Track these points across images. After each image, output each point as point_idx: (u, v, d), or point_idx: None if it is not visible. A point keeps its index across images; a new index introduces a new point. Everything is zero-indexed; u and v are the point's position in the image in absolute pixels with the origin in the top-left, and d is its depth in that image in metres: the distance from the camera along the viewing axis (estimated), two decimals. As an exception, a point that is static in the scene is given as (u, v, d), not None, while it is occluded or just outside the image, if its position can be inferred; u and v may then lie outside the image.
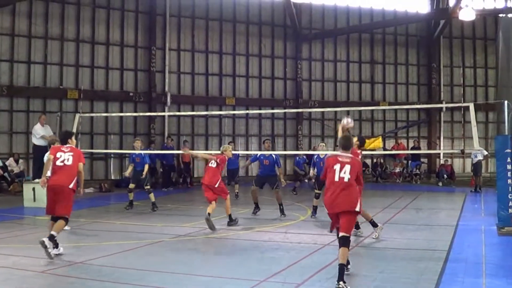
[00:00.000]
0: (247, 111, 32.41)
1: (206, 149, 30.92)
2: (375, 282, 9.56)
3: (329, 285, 9.13)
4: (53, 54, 28.83)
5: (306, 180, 28.40)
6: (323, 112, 34.95)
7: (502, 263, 11.18)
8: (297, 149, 34.08)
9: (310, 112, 34.66)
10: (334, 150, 34.87)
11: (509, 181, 14.73)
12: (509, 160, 14.72)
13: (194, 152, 22.24)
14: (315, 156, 18.92)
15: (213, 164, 16.11)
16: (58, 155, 11.92)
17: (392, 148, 35.40)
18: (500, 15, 32.72)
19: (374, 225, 13.77)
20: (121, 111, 30.14)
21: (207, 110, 32.32)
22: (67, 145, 12.28)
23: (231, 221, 15.96)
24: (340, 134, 12.56)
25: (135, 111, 30.30)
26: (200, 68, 33.04)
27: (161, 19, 31.71)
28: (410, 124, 37.41)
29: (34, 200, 20.44)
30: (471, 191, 26.60)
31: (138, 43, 31.30)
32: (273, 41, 35.00)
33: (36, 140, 22.92)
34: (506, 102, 17.13)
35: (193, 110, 32.03)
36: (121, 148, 28.27)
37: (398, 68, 37.32)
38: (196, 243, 13.48)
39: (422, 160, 35.46)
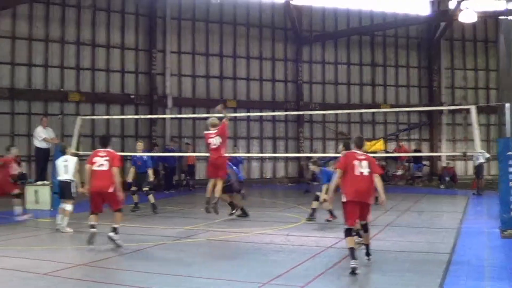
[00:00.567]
0: (248, 114, 32.27)
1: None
2: (377, 285, 9.66)
3: (332, 288, 9.16)
4: (53, 56, 28.78)
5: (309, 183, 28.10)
6: (324, 115, 34.80)
7: (505, 266, 11.09)
8: (299, 152, 34.04)
9: (311, 115, 34.51)
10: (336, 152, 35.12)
11: (511, 183, 14.69)
12: (511, 162, 14.70)
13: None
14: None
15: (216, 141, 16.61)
16: (94, 160, 12.88)
17: (394, 151, 35.05)
18: (501, 17, 32.62)
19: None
20: (122, 114, 30.03)
21: (208, 112, 30.95)
22: (105, 149, 13.15)
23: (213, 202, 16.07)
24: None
25: (136, 114, 30.24)
26: (200, 70, 32.99)
27: (162, 21, 31.69)
28: (411, 126, 37.29)
29: (37, 202, 20.46)
30: (474, 194, 26.41)
31: (138, 46, 31.27)
32: (273, 43, 34.96)
33: (38, 143, 22.83)
34: (507, 104, 17.11)
35: (194, 113, 31.90)
36: (122, 151, 28.14)
37: (399, 70, 37.23)
38: (198, 246, 13.43)
39: (424, 162, 35.38)
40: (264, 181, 34.09)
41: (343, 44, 36.33)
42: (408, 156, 34.47)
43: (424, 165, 35.51)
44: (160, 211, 19.69)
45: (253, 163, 34.50)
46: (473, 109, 15.61)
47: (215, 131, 16.69)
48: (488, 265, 11.04)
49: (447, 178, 31.73)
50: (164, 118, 30.84)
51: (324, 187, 16.74)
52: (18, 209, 17.81)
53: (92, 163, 12.95)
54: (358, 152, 11.04)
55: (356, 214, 10.73)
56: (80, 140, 23.30)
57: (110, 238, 12.58)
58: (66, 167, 16.00)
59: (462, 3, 31.97)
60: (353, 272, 9.99)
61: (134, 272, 10.46)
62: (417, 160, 34.35)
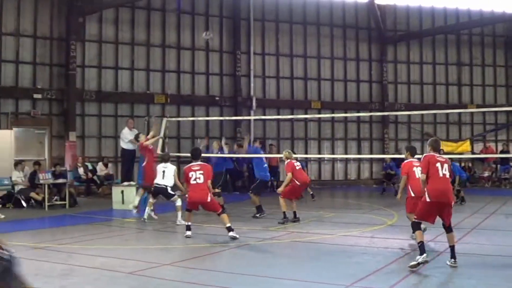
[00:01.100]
0: (333, 115, 30.89)
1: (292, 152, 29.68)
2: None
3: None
4: (139, 59, 28.16)
5: (392, 184, 26.44)
6: (409, 115, 32.70)
7: None
8: (383, 153, 32.24)
9: (396, 115, 32.43)
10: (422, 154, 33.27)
11: None
12: None
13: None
14: None
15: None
16: (190, 175, 13.59)
17: (481, 152, 32.83)
18: None
19: None
20: (207, 115, 29.28)
21: (292, 113, 30.67)
22: (198, 163, 13.89)
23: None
24: None
25: (221, 115, 29.31)
26: (285, 71, 31.61)
27: (245, 23, 30.56)
28: (498, 127, 34.74)
29: (123, 202, 20.02)
30: None
31: (223, 48, 30.29)
32: (357, 43, 33.11)
33: (124, 144, 21.97)
34: None
35: (278, 114, 30.63)
36: (206, 152, 27.26)
37: (485, 69, 34.67)
38: (281, 247, 12.98)
39: (511, 164, 33.12)
40: (348, 182, 32.38)
41: (428, 43, 34.03)
42: (495, 157, 32.17)
43: (512, 166, 33.20)
44: (244, 211, 19.11)
45: (338, 164, 32.82)
46: None
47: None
48: None
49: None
50: (248, 120, 29.63)
51: None
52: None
53: (189, 178, 13.62)
54: (438, 155, 10.94)
55: (436, 212, 10.65)
56: (166, 141, 22.76)
57: (234, 238, 13.07)
58: (163, 173, 16.60)
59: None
60: (416, 266, 9.90)
61: (217, 272, 10.20)
62: (505, 161, 31.79)
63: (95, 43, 27.12)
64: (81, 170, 24.79)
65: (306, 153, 31.03)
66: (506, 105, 33.59)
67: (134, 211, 17.56)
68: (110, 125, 27.26)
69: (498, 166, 32.70)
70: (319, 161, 32.34)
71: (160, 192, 16.68)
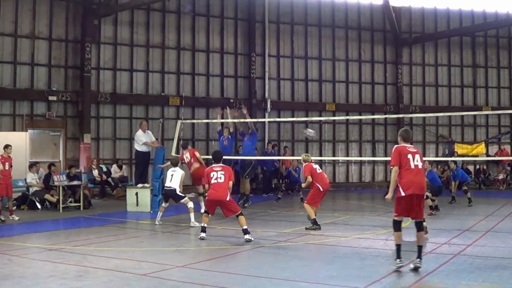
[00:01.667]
0: (347, 117, 30.63)
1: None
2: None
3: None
4: (154, 62, 28.00)
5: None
6: (424, 118, 32.30)
7: None
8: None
9: (411, 118, 32.08)
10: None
11: None
12: None
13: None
14: None
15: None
16: (211, 175, 13.72)
17: (496, 154, 32.47)
18: None
19: None
20: (222, 118, 28.81)
21: (307, 116, 30.51)
22: (219, 164, 14.04)
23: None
24: None
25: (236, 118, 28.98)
26: (299, 74, 31.33)
27: (260, 25, 30.30)
28: (514, 129, 34.39)
29: (137, 204, 19.99)
30: None
31: (237, 50, 30.07)
32: (372, 45, 32.75)
33: (139, 146, 21.89)
34: None
35: (293, 116, 30.33)
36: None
37: (500, 71, 34.20)
38: (296, 249, 12.87)
39: (527, 166, 32.74)
40: (363, 185, 32.02)
41: (443, 45, 33.64)
42: (510, 160, 31.88)
43: (527, 169, 32.75)
44: (259, 214, 19.08)
45: (353, 167, 32.54)
46: None
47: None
48: None
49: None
50: (263, 122, 29.26)
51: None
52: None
53: (210, 178, 13.74)
54: (409, 145, 10.60)
55: (410, 205, 10.31)
56: (180, 144, 22.68)
57: (247, 241, 13.12)
58: (172, 177, 16.63)
59: None
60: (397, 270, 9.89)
61: (231, 274, 10.09)
62: (520, 164, 31.75)
63: (110, 45, 27.00)
64: (95, 172, 24.72)
65: (320, 155, 30.75)
66: (522, 107, 33.31)
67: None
68: (125, 127, 27.13)
69: (514, 168, 32.51)
70: (334, 163, 32.08)
71: (169, 195, 16.64)
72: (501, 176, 31.97)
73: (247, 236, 13.15)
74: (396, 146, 10.67)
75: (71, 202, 20.70)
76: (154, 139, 22.32)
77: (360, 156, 32.07)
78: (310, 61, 31.64)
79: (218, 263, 11.18)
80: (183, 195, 16.58)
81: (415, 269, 9.85)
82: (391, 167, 10.70)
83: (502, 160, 31.60)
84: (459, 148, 32.35)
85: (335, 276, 9.79)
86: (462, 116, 32.95)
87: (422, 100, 33.46)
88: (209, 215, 13.92)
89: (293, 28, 31.35)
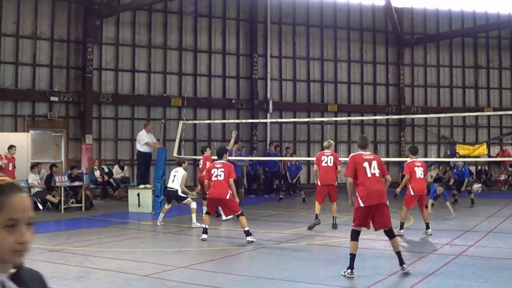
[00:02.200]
0: (349, 118, 30.42)
1: (308, 156, 29.54)
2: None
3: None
4: (156, 62, 27.97)
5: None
6: (426, 118, 32.39)
7: None
8: (400, 156, 31.87)
9: (413, 118, 32.13)
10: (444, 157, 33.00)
11: None
12: None
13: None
14: None
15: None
16: (212, 171, 13.62)
17: (497, 155, 32.45)
18: None
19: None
20: (224, 118, 29.02)
21: (309, 116, 30.52)
22: (221, 161, 13.83)
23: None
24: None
25: (238, 118, 29.03)
26: (301, 74, 31.33)
27: (262, 26, 30.27)
28: (516, 130, 34.35)
29: (139, 205, 19.97)
30: None
31: (239, 51, 30.06)
32: (374, 46, 32.73)
33: (140, 147, 21.81)
34: None
35: (295, 117, 30.35)
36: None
37: (502, 72, 34.12)
38: (297, 250, 12.79)
39: (529, 167, 32.68)
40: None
41: (445, 47, 33.59)
42: (512, 161, 31.97)
43: (529, 170, 32.68)
44: (260, 215, 19.19)
45: (386, 170, 32.39)
46: None
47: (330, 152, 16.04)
48: None
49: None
50: (265, 123, 29.36)
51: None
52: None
53: (211, 175, 13.61)
54: (365, 152, 10.28)
55: (368, 216, 10.01)
56: (182, 144, 22.65)
57: (251, 242, 13.01)
58: (174, 177, 16.65)
59: None
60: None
61: (233, 275, 10.10)
62: (522, 165, 31.70)
63: (112, 46, 26.98)
64: (97, 173, 24.68)
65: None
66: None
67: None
68: (127, 128, 27.10)
69: (515, 169, 32.45)
70: (336, 164, 31.99)
71: (171, 196, 16.67)
72: (502, 177, 31.90)
73: (249, 238, 13.04)
74: (351, 155, 10.54)
75: (72, 203, 20.68)
76: (155, 140, 22.27)
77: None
78: (312, 62, 31.61)
79: (220, 264, 11.16)
80: (184, 195, 16.52)
81: (406, 274, 9.70)
82: (345, 177, 10.54)
83: (504, 161, 31.52)
84: (460, 149, 32.28)
85: (337, 277, 9.75)
86: (464, 117, 32.86)
87: (424, 101, 33.42)
88: (211, 216, 13.84)
89: (295, 29, 31.32)
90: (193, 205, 16.23)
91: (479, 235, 14.18)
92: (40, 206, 20.31)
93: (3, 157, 17.81)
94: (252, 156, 27.08)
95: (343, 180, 14.71)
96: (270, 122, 29.50)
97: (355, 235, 9.99)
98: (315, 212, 15.33)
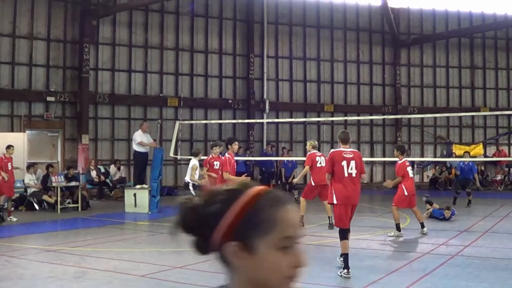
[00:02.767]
0: (346, 118, 30.40)
1: (305, 156, 29.46)
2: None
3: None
4: (153, 62, 27.92)
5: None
6: (422, 119, 32.38)
7: None
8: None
9: (409, 119, 32.17)
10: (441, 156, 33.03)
11: None
12: None
13: None
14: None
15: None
16: (215, 163, 14.11)
17: (493, 155, 32.46)
18: None
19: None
20: (220, 118, 28.98)
21: (305, 117, 30.45)
22: (214, 156, 14.73)
23: None
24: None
25: (234, 118, 29.02)
26: (298, 75, 31.26)
27: (259, 26, 30.19)
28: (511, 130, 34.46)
29: (135, 205, 19.88)
30: None
31: (236, 51, 30.01)
32: (371, 47, 32.72)
33: (137, 147, 21.86)
34: None
35: (291, 117, 30.29)
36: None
37: (498, 73, 34.18)
38: None
39: (525, 167, 32.72)
40: (361, 185, 31.97)
41: (442, 47, 33.60)
42: (508, 161, 31.93)
43: (525, 170, 32.69)
44: None
45: (364, 168, 32.41)
46: None
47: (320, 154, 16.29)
48: None
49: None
50: (261, 123, 29.34)
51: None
52: None
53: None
54: (347, 150, 10.31)
55: (347, 214, 10.15)
56: (178, 144, 22.62)
57: None
58: (188, 169, 17.01)
59: None
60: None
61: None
62: (518, 165, 31.76)
63: (108, 46, 26.95)
64: (93, 173, 24.67)
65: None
66: (520, 108, 33.31)
67: None
68: (123, 128, 27.07)
69: (511, 169, 32.50)
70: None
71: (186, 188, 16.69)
72: (499, 177, 31.99)
73: None
74: (332, 150, 10.57)
75: (69, 203, 20.68)
76: (152, 140, 22.26)
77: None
78: (309, 62, 31.56)
79: (217, 264, 10.99)
80: (191, 188, 16.34)
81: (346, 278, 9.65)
82: (326, 173, 10.69)
83: (500, 161, 31.58)
84: (457, 149, 32.32)
85: (333, 277, 9.79)
86: (460, 117, 32.87)
87: (420, 101, 33.42)
88: None
89: (291, 29, 31.28)
90: None
91: (475, 235, 14.21)
92: (37, 206, 20.35)
93: (3, 157, 17.86)
94: (246, 157, 27.05)
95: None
96: (267, 122, 29.51)
97: (343, 235, 10.05)
98: (301, 213, 15.22)
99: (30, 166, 21.13)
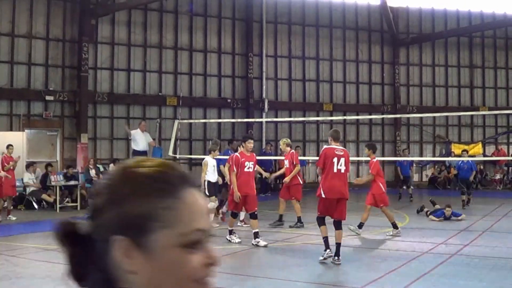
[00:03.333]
0: (345, 117, 30.46)
1: (304, 155, 29.50)
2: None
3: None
4: (152, 61, 27.89)
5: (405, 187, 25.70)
6: (421, 118, 32.27)
7: None
8: (395, 155, 31.90)
9: (408, 118, 32.09)
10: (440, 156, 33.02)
11: None
12: None
13: None
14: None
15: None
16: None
17: (492, 154, 32.52)
18: None
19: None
20: (219, 118, 28.94)
21: (304, 116, 30.46)
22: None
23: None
24: None
25: (233, 118, 28.97)
26: (297, 74, 31.24)
27: (258, 25, 30.18)
28: (511, 129, 34.28)
29: None
30: None
31: (235, 50, 29.98)
32: (370, 46, 32.68)
33: (136, 146, 21.88)
34: None
35: (290, 116, 30.24)
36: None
37: (497, 72, 34.15)
38: (293, 250, 13.03)
39: (524, 166, 32.72)
40: (360, 184, 31.98)
41: (440, 46, 33.57)
42: (507, 160, 31.94)
43: (524, 169, 32.70)
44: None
45: (350, 166, 32.42)
46: None
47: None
48: None
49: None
50: (260, 122, 29.30)
51: None
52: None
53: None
54: (338, 147, 11.13)
55: (331, 208, 10.87)
56: (177, 143, 22.60)
57: (254, 244, 12.73)
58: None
59: None
60: (324, 261, 10.53)
61: (229, 274, 10.06)
62: (517, 164, 31.73)
63: (107, 45, 26.92)
64: (92, 172, 24.59)
65: (318, 155, 30.65)
66: (518, 107, 33.29)
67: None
68: (122, 127, 26.74)
69: (510, 168, 32.51)
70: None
71: None
72: (498, 176, 32.06)
73: (257, 240, 12.68)
74: (325, 147, 11.21)
75: (68, 202, 20.71)
76: (151, 139, 22.24)
77: (358, 156, 31.84)
78: (308, 61, 31.54)
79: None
80: (206, 191, 15.15)
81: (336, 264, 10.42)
82: (317, 166, 11.39)
83: (499, 160, 31.60)
84: (456, 148, 32.29)
85: (332, 275, 9.90)
86: (459, 116, 32.84)
87: (419, 100, 33.40)
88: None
89: (290, 28, 31.24)
90: (210, 204, 15.16)
91: (474, 234, 14.23)
92: (36, 205, 20.33)
93: (5, 156, 17.92)
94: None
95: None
96: (266, 122, 29.46)
97: (321, 221, 10.97)
98: (298, 214, 15.72)
99: (29, 165, 21.13)
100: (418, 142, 33.21)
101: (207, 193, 15.17)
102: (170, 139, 22.49)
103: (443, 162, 30.74)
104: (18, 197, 20.43)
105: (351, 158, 31.47)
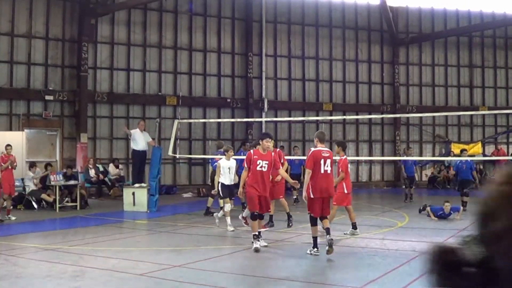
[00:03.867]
0: (344, 117, 30.46)
1: (303, 154, 29.46)
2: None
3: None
4: (151, 61, 27.93)
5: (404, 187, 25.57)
6: (421, 117, 32.24)
7: None
8: (395, 155, 31.92)
9: (408, 117, 32.07)
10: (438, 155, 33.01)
11: None
12: None
13: None
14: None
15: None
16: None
17: (492, 154, 32.51)
18: None
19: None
20: (219, 117, 28.92)
21: (304, 115, 30.39)
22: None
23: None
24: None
25: (233, 117, 28.95)
26: (297, 73, 31.21)
27: (258, 25, 30.16)
28: (510, 129, 34.32)
29: (134, 204, 19.86)
30: None
31: (235, 50, 29.98)
32: (369, 45, 32.64)
33: (135, 145, 21.82)
34: None
35: (290, 116, 30.25)
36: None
37: (497, 71, 34.17)
38: (293, 249, 12.85)
39: (524, 166, 32.67)
40: (360, 184, 31.70)
41: (440, 46, 33.56)
42: (507, 160, 31.91)
43: (524, 168, 32.72)
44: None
45: (349, 166, 32.36)
46: None
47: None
48: None
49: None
50: (260, 121, 29.16)
51: None
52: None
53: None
54: (324, 149, 11.61)
55: (319, 206, 11.45)
56: (177, 143, 22.58)
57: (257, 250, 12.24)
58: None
59: None
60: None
61: (228, 274, 10.16)
62: (517, 163, 31.79)
63: (107, 45, 26.95)
64: (92, 172, 24.66)
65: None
66: (518, 107, 33.30)
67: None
68: (122, 126, 26.43)
69: (510, 168, 32.38)
70: (331, 163, 31.91)
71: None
72: (497, 176, 31.85)
73: (261, 241, 12.34)
74: (312, 149, 11.48)
75: (67, 201, 20.68)
76: (150, 139, 22.21)
77: (357, 156, 31.90)
78: (307, 61, 31.52)
79: (215, 262, 11.07)
80: (219, 189, 15.54)
81: (331, 246, 10.89)
82: (306, 168, 11.87)
83: (499, 160, 31.50)
84: (455, 148, 32.28)
85: (332, 275, 9.92)
86: (459, 116, 32.87)
87: (419, 100, 33.39)
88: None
89: (290, 27, 31.22)
90: (226, 207, 15.21)
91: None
92: (35, 205, 20.34)
93: (2, 156, 17.92)
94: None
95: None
96: (265, 121, 29.35)
97: (314, 221, 11.48)
98: (287, 210, 15.82)
99: (32, 165, 21.16)
100: (418, 142, 33.20)
101: (221, 195, 15.50)
102: (169, 139, 22.37)
103: (443, 161, 30.72)
104: (18, 196, 20.41)
105: (350, 158, 31.80)
